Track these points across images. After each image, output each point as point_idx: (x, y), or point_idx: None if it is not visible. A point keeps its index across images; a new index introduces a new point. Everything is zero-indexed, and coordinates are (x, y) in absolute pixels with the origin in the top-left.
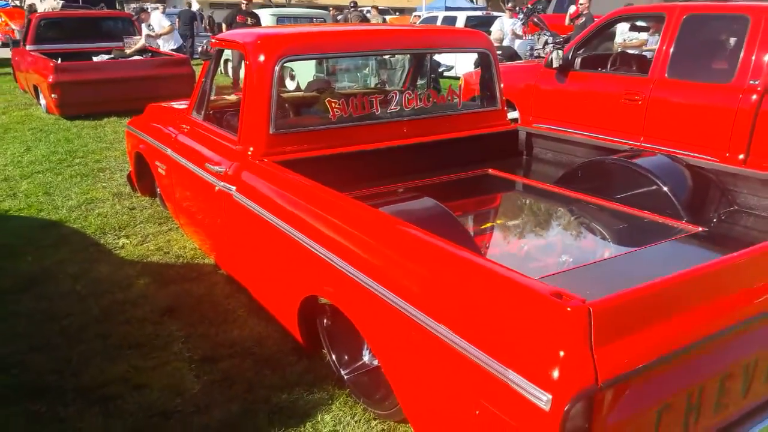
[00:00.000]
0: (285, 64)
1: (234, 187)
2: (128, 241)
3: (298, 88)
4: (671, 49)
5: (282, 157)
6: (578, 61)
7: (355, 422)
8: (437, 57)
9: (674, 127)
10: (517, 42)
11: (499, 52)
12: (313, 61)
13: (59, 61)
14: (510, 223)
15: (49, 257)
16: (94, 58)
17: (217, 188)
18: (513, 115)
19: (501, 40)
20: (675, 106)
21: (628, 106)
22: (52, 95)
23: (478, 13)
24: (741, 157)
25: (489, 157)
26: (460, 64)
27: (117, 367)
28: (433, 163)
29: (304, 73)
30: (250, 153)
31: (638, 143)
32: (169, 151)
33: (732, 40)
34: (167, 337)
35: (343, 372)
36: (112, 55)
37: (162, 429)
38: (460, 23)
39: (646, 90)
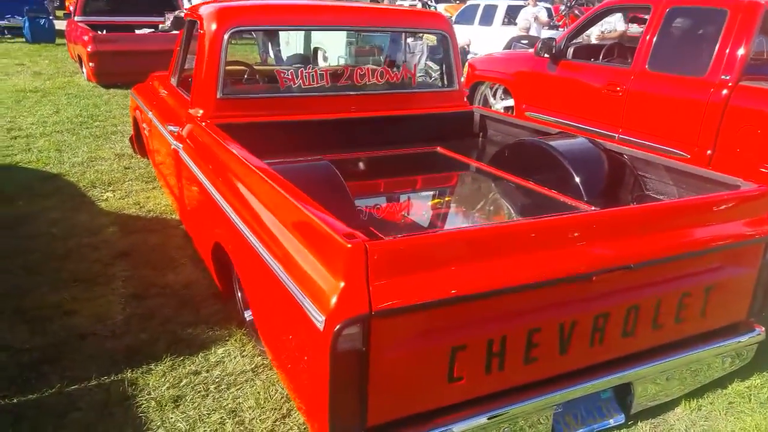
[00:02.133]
0: (236, 33)
1: (181, 146)
2: (112, 195)
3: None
4: (653, 41)
5: (227, 121)
6: (571, 50)
7: (242, 356)
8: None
9: (651, 120)
10: (544, 30)
11: (524, 42)
12: (344, 36)
13: (103, 32)
14: (425, 194)
15: (38, 204)
16: (137, 31)
17: (172, 147)
18: (508, 102)
19: (528, 29)
20: (653, 98)
21: (609, 97)
22: (90, 64)
23: (520, 2)
24: (708, 152)
25: (443, 136)
26: (477, 46)
27: (57, 296)
28: (382, 139)
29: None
30: (199, 115)
31: (617, 135)
32: (150, 114)
33: (711, 34)
34: (111, 276)
35: (245, 313)
36: (154, 29)
37: (75, 347)
38: (500, 12)
39: (627, 81)
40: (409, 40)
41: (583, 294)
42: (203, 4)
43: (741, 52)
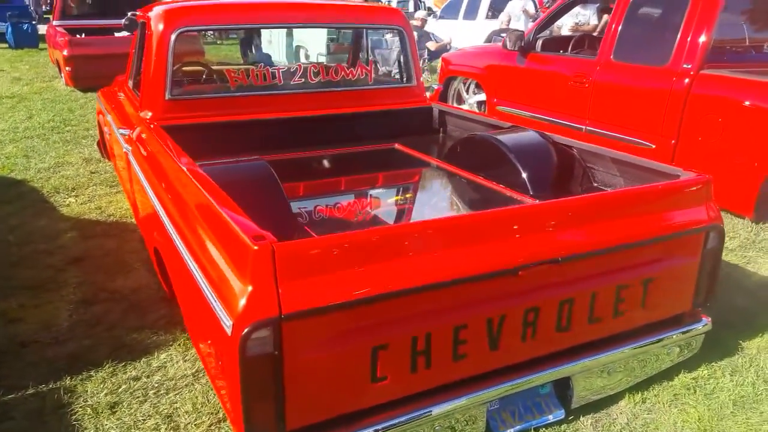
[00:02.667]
0: (182, 34)
1: (130, 149)
2: (75, 200)
3: None
4: (618, 31)
5: (176, 122)
6: (539, 43)
7: (184, 361)
8: (431, 31)
9: (617, 111)
10: (531, 23)
11: (504, 35)
12: (324, 35)
13: (81, 36)
14: (375, 191)
15: None
16: (116, 34)
17: (123, 149)
18: (481, 97)
19: (509, 22)
20: (618, 89)
21: (576, 89)
22: (66, 68)
23: None
24: (672, 142)
25: (402, 132)
26: (461, 41)
27: (3, 304)
28: (339, 136)
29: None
30: (147, 118)
31: (584, 127)
32: (108, 117)
33: (674, 22)
34: (62, 282)
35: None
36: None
37: (15, 355)
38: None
39: (592, 73)
40: (388, 36)
41: (510, 289)
42: (154, 4)
43: (702, 39)
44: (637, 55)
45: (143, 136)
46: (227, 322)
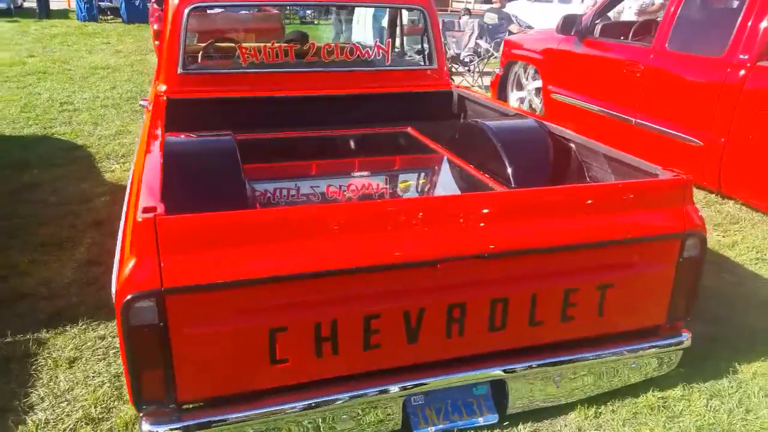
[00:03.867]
0: (196, 9)
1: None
2: (119, 167)
3: None
4: (675, 17)
5: (189, 96)
6: (598, 28)
7: None
8: (514, 13)
9: (667, 103)
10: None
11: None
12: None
13: None
14: (360, 174)
15: (50, 173)
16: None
17: (143, 122)
18: (539, 84)
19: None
20: (670, 79)
21: (629, 78)
22: (155, 41)
23: None
24: (722, 140)
25: (418, 116)
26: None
27: (19, 257)
28: (349, 117)
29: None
30: (162, 91)
31: (633, 119)
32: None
33: (734, 9)
34: (77, 242)
35: None
36: None
37: (10, 305)
38: None
39: (646, 61)
40: (465, 18)
41: (429, 282)
42: None
43: (763, 28)
44: (693, 44)
45: (149, 108)
46: (113, 291)
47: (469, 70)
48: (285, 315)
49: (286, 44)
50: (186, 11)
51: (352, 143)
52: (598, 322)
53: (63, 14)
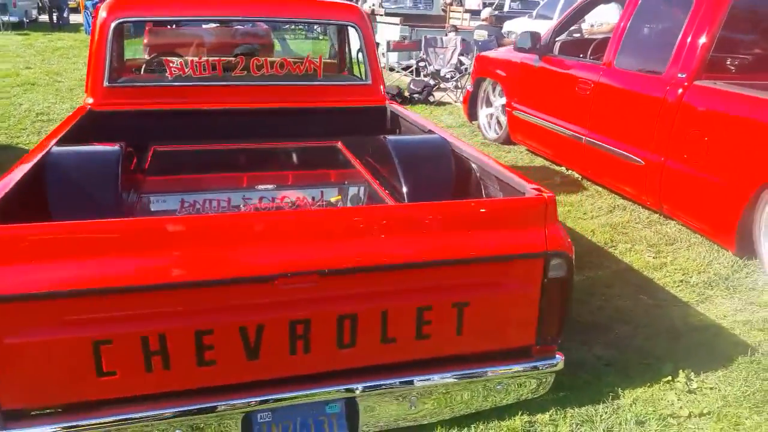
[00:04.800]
0: (122, 23)
1: None
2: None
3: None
4: (624, 35)
5: (114, 108)
6: (557, 45)
7: None
8: (511, 30)
9: (614, 122)
10: None
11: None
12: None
13: None
14: (269, 186)
15: None
16: None
17: None
18: (504, 100)
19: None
20: (616, 97)
21: (580, 96)
22: None
23: None
24: (661, 159)
25: (350, 131)
26: None
27: None
28: (277, 131)
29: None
30: (90, 103)
31: (583, 137)
32: None
33: (677, 27)
34: None
35: None
36: None
37: None
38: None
39: (595, 79)
40: (451, 34)
41: (267, 298)
42: None
43: (701, 45)
44: (639, 61)
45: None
46: None
47: (452, 87)
48: (109, 328)
49: (232, 58)
50: (112, 25)
51: (276, 157)
52: (458, 341)
53: (75, 28)
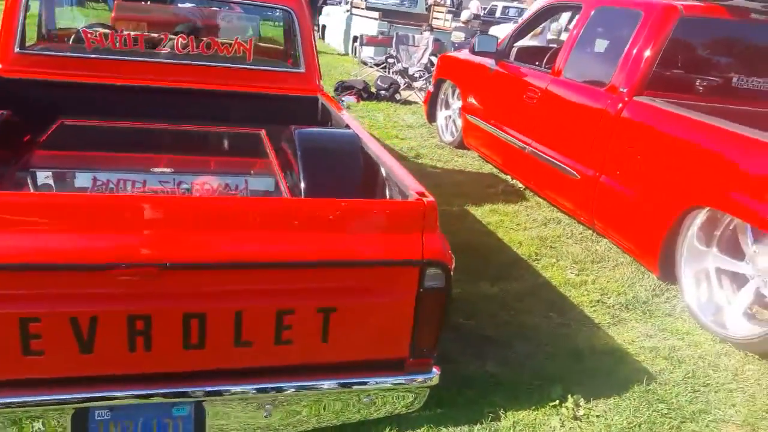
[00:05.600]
0: None
1: None
2: None
3: None
4: (573, 46)
5: (25, 76)
6: (514, 51)
7: None
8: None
9: (556, 133)
10: None
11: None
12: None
13: None
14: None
15: None
16: None
17: None
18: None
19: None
20: (560, 107)
21: (527, 104)
22: None
23: None
24: (595, 175)
25: (277, 120)
26: None
27: None
28: (197, 113)
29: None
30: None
31: (526, 147)
32: None
33: (623, 41)
34: None
35: None
36: None
37: None
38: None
39: (542, 87)
40: (426, 33)
41: (101, 289)
42: None
43: (645, 60)
44: (586, 72)
45: None
46: None
47: (420, 86)
48: None
49: (155, 34)
50: None
51: (192, 141)
52: (324, 348)
53: None
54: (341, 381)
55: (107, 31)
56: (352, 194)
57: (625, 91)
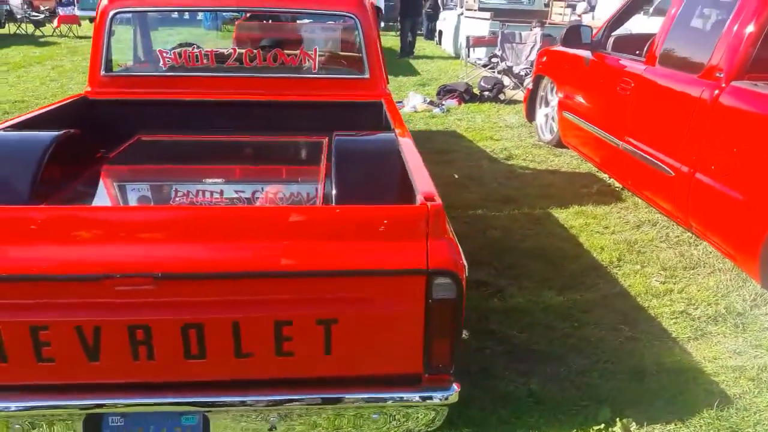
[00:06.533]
0: (119, 13)
1: None
2: None
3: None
4: (669, 30)
5: (107, 97)
6: (611, 41)
7: None
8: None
9: (652, 127)
10: None
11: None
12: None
13: None
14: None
15: None
16: None
17: None
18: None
19: None
20: (654, 98)
21: (621, 97)
22: None
23: None
24: (689, 171)
25: (344, 126)
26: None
27: None
28: (266, 123)
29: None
30: (87, 91)
31: (621, 143)
32: None
33: (720, 23)
34: None
35: None
36: None
37: None
38: None
39: (636, 78)
40: (535, 29)
41: (103, 298)
42: None
43: (745, 41)
44: (680, 58)
45: None
46: None
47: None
48: None
49: (224, 50)
50: (110, 14)
51: (260, 150)
52: (327, 361)
53: None
54: (348, 395)
55: (182, 50)
56: (384, 200)
57: (722, 75)
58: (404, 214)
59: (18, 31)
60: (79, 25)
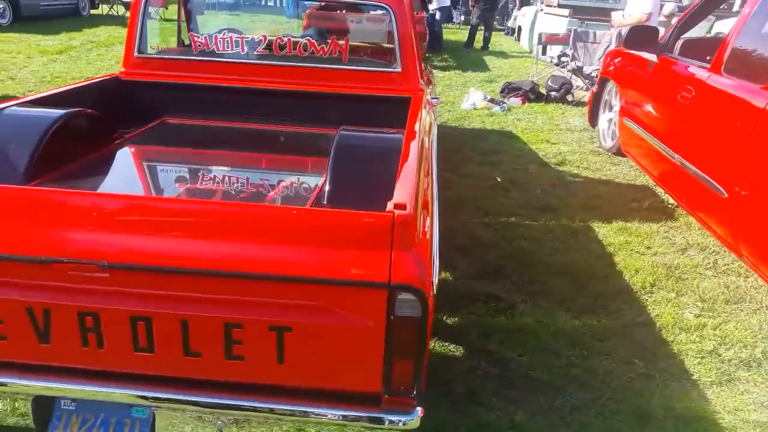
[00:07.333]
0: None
1: None
2: None
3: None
4: (738, 35)
5: (141, 78)
6: (679, 44)
7: None
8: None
9: (709, 141)
10: None
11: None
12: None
13: None
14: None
15: None
16: None
17: None
18: None
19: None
20: (715, 110)
21: (680, 106)
22: None
23: None
24: (743, 193)
25: (373, 120)
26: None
27: None
28: (294, 113)
29: None
30: (122, 71)
31: (676, 155)
32: None
33: None
34: None
35: None
36: None
37: None
38: None
39: (698, 86)
40: (612, 29)
41: (51, 281)
42: None
43: None
44: (746, 66)
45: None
46: None
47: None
48: None
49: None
50: (143, 2)
51: (274, 140)
52: (280, 370)
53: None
54: (298, 408)
55: (213, 35)
56: (373, 203)
57: None
58: (367, 221)
59: (110, 12)
60: (166, 8)
